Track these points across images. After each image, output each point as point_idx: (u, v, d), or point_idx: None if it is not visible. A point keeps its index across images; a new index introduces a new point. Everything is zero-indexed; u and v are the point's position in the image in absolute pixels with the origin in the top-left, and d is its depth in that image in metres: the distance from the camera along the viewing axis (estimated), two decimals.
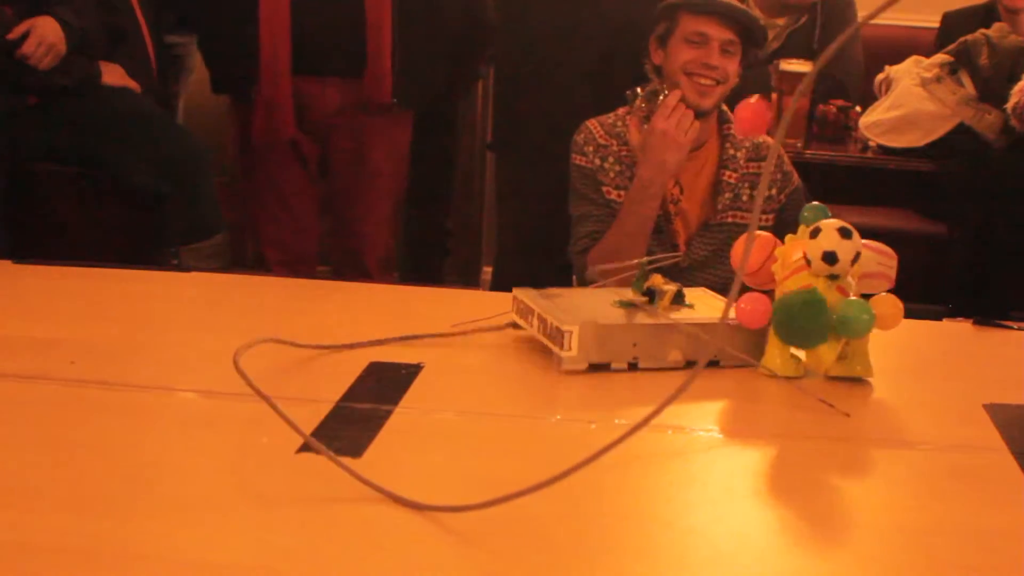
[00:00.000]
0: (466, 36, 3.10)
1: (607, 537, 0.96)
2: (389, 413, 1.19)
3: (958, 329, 1.66)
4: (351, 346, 1.40)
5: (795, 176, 2.43)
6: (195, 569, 0.89)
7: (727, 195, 2.37)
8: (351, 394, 1.24)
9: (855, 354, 1.35)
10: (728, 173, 2.38)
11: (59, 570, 0.88)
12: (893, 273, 1.43)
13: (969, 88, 3.06)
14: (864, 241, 1.38)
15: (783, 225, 2.42)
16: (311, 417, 1.16)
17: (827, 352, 1.34)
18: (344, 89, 2.80)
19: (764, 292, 1.41)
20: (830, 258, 1.32)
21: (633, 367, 1.37)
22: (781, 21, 3.34)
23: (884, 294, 1.39)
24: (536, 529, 0.95)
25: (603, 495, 1.04)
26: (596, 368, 1.35)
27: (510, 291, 1.51)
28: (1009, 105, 2.94)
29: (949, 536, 0.99)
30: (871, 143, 3.15)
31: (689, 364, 1.37)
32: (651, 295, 1.42)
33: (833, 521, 1.03)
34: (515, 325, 1.47)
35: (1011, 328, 1.61)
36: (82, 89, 2.85)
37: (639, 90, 2.36)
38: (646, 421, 0.96)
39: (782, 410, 1.31)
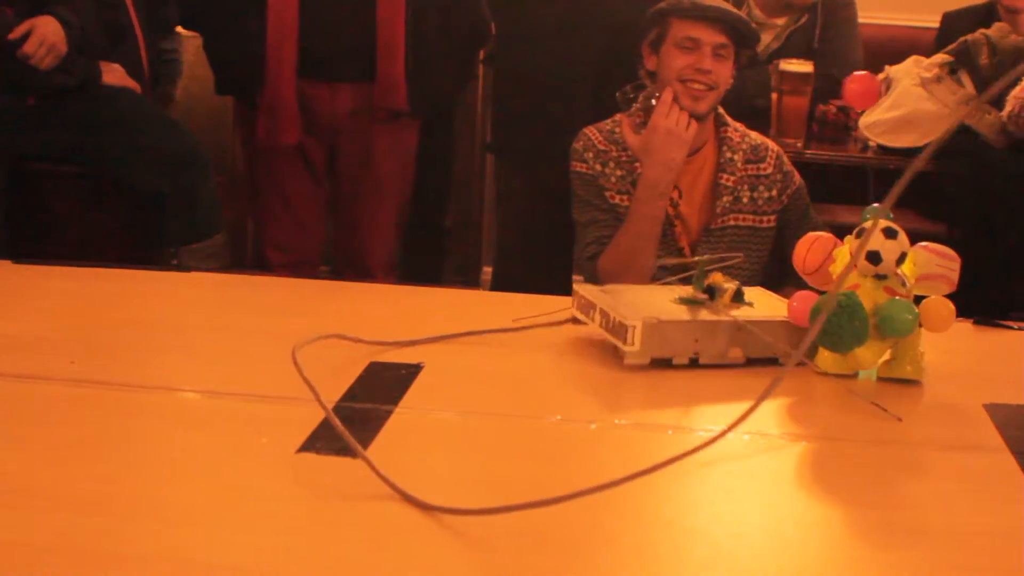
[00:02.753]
0: (468, 37, 3.10)
1: (607, 537, 0.95)
2: (389, 413, 1.19)
3: (958, 329, 1.66)
4: (411, 343, 1.41)
5: (796, 176, 2.45)
6: (195, 569, 0.89)
7: (726, 198, 2.37)
8: (351, 394, 1.24)
9: (904, 355, 1.36)
10: (726, 176, 2.38)
11: (59, 570, 0.88)
12: (955, 276, 1.42)
13: (969, 88, 3.06)
14: (925, 244, 1.39)
15: (785, 225, 2.44)
16: (311, 417, 1.16)
17: (865, 353, 1.34)
18: (354, 94, 2.79)
19: (822, 292, 1.41)
20: (874, 258, 1.33)
21: (694, 363, 1.38)
22: (781, 21, 3.34)
23: (934, 296, 1.38)
24: (537, 529, 0.95)
25: (602, 495, 1.04)
26: (657, 363, 1.37)
27: (510, 291, 1.51)
28: (1005, 112, 2.93)
29: (948, 536, 0.99)
30: (871, 143, 3.15)
31: (749, 361, 1.39)
32: (711, 292, 1.45)
33: (832, 520, 1.03)
34: (575, 320, 1.49)
35: (1011, 328, 1.61)
36: (83, 89, 2.85)
37: (628, 91, 2.36)
38: (731, 427, 0.95)
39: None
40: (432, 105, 2.91)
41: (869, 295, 1.33)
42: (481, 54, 3.41)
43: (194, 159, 2.90)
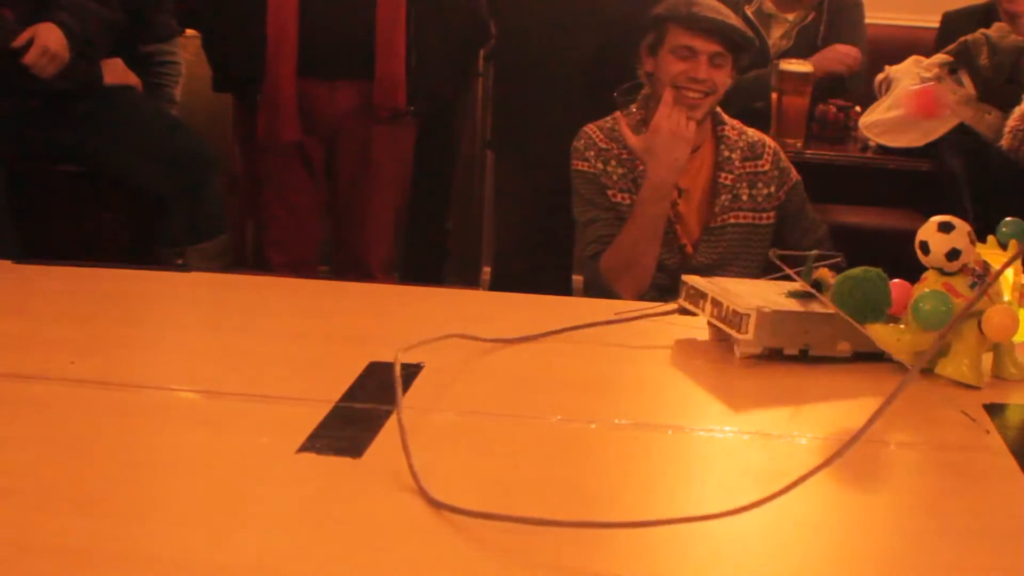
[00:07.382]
0: (468, 35, 3.10)
1: (608, 537, 0.95)
2: (389, 413, 1.19)
3: None
4: (524, 339, 1.42)
5: (792, 172, 2.47)
6: (195, 569, 0.89)
7: (725, 197, 2.38)
8: (351, 394, 1.24)
9: (960, 356, 1.34)
10: (724, 175, 2.39)
11: (59, 570, 0.88)
12: None
13: (969, 88, 3.06)
14: None
15: (782, 219, 2.45)
16: (311, 417, 1.16)
17: (886, 335, 1.33)
18: (353, 93, 2.79)
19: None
20: (923, 247, 1.33)
21: (804, 354, 1.40)
22: (792, 16, 3.34)
23: (1001, 303, 1.35)
24: (537, 528, 0.95)
25: (602, 494, 1.04)
26: (769, 353, 1.39)
27: (510, 291, 1.51)
28: (1004, 143, 2.92)
29: (948, 536, 0.99)
30: (871, 143, 3.15)
31: (856, 355, 1.40)
32: (818, 287, 1.46)
33: (832, 520, 1.03)
34: (684, 311, 1.50)
35: None
36: (85, 92, 2.84)
37: (626, 90, 2.37)
38: (855, 438, 0.94)
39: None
40: (432, 104, 2.91)
41: (929, 288, 1.33)
42: (482, 51, 3.41)
43: (199, 159, 2.89)
